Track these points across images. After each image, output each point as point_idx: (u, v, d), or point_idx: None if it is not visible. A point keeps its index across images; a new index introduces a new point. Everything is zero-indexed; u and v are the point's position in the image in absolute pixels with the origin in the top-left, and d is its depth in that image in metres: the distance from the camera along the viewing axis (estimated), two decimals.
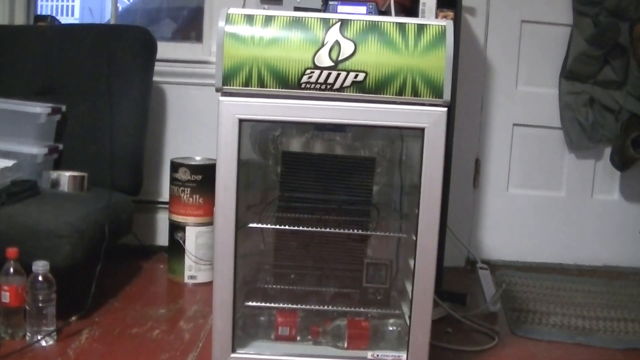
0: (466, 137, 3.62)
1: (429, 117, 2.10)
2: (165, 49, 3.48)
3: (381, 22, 2.10)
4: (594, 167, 3.77)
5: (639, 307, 3.17)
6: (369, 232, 2.50)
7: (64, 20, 7.17)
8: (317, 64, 2.07)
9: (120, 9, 3.87)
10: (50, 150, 3.03)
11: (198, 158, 3.29)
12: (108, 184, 3.06)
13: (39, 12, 3.83)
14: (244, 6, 3.37)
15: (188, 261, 3.20)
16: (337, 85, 2.08)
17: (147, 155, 3.37)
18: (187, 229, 3.21)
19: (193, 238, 3.20)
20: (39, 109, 3.01)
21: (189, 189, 3.17)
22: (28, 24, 3.68)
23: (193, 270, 3.21)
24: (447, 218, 3.06)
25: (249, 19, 2.10)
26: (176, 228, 3.23)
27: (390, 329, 2.38)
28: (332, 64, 2.07)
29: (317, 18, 2.10)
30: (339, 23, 2.08)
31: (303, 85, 2.08)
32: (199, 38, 3.74)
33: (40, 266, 2.41)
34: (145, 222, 3.60)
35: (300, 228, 2.38)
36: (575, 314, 3.03)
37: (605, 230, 3.80)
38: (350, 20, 2.09)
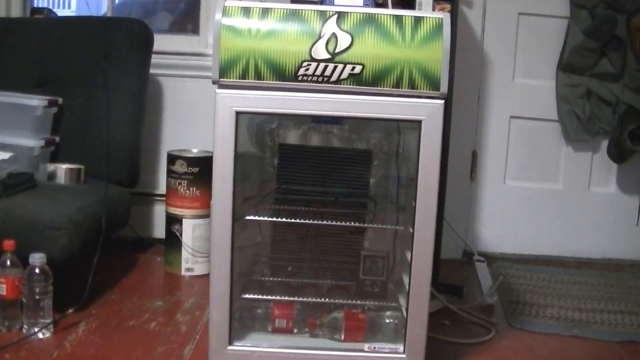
0: (463, 130, 3.62)
1: (426, 109, 2.10)
2: (161, 41, 3.48)
3: (378, 14, 2.10)
4: (590, 160, 3.77)
5: (636, 300, 3.17)
6: (365, 225, 2.50)
7: (61, 12, 7.15)
8: (314, 56, 2.07)
9: (116, 1, 3.87)
10: (46, 142, 3.02)
11: (195, 150, 3.29)
12: (105, 176, 3.05)
13: (35, 5, 3.82)
14: None
15: (185, 253, 3.20)
16: (334, 78, 2.08)
17: (143, 147, 3.37)
18: (184, 221, 3.20)
19: (190, 230, 3.20)
20: (36, 101, 3.00)
21: (185, 182, 3.17)
22: (24, 16, 3.67)
23: (190, 263, 3.21)
24: (444, 210, 3.06)
25: (246, 11, 2.10)
26: (173, 220, 3.23)
27: (387, 321, 2.39)
28: (329, 56, 2.07)
29: (314, 10, 2.10)
30: (335, 15, 2.08)
31: (300, 78, 2.09)
32: (195, 30, 3.73)
33: (37, 258, 2.40)
34: (142, 214, 3.60)
35: (297, 220, 2.38)
36: (572, 307, 3.04)
37: (602, 223, 3.80)
38: (347, 12, 2.09)
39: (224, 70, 2.09)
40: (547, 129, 3.73)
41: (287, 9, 2.10)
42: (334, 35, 2.07)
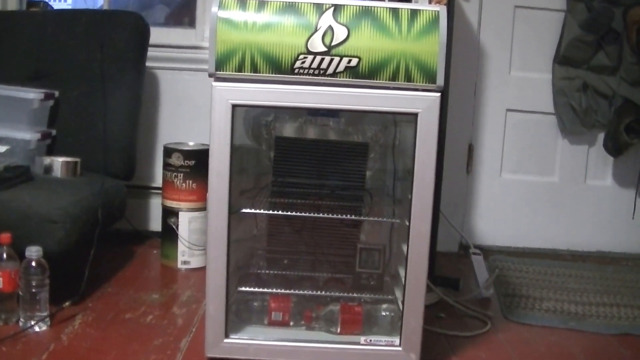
0: (459, 123, 3.62)
1: (422, 102, 2.10)
2: (158, 34, 3.47)
3: (374, 7, 2.10)
4: (587, 153, 3.77)
5: (632, 293, 3.18)
6: (362, 218, 2.50)
7: (57, 5, 7.13)
8: (310, 49, 2.07)
9: None
10: (43, 135, 3.02)
11: (191, 143, 3.29)
12: (101, 169, 3.05)
13: None
14: None
15: (181, 246, 3.20)
16: (330, 71, 2.08)
17: (140, 140, 3.37)
18: (180, 214, 3.20)
19: (186, 223, 3.20)
20: (32, 94, 3.00)
21: (182, 174, 3.17)
22: (21, 9, 3.67)
23: (186, 256, 3.21)
24: (440, 203, 3.06)
25: (242, 4, 2.09)
26: (169, 213, 3.23)
27: (383, 314, 2.39)
28: (326, 49, 2.07)
29: (310, 3, 2.09)
30: (332, 8, 2.08)
31: (296, 71, 2.08)
32: (192, 23, 3.72)
33: (33, 251, 2.41)
34: (138, 207, 3.60)
35: (293, 213, 2.39)
36: (568, 299, 3.04)
37: (598, 216, 3.81)
38: (344, 5, 2.09)
39: (221, 63, 2.09)
40: (543, 122, 3.73)
41: (283, 2, 2.10)
42: (330, 28, 2.07)
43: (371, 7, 2.10)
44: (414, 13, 2.09)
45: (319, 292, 2.40)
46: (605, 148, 3.67)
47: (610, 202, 3.80)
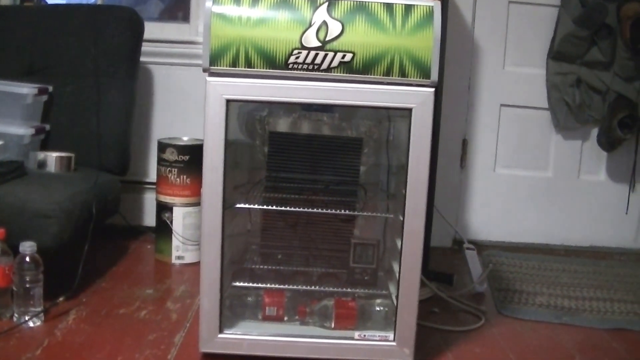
0: (453, 118, 3.62)
1: (416, 97, 2.10)
2: (152, 29, 3.47)
3: (369, 2, 2.10)
4: (580, 148, 3.78)
5: (625, 287, 3.19)
6: (356, 213, 2.51)
7: (51, 0, 7.11)
8: (304, 44, 2.07)
9: None
10: (37, 130, 3.01)
11: (185, 138, 3.29)
12: (95, 164, 3.05)
13: None
14: None
15: (175, 241, 3.20)
16: (324, 66, 2.08)
17: (134, 135, 3.36)
18: (175, 209, 3.20)
19: (180, 218, 3.20)
20: (26, 89, 2.99)
21: (176, 170, 3.17)
22: (15, 4, 3.65)
23: (180, 251, 3.21)
24: (434, 198, 3.06)
25: None
26: (163, 208, 3.23)
27: (377, 309, 2.39)
28: (320, 44, 2.07)
29: None
30: (326, 3, 2.08)
31: (290, 66, 2.08)
32: (186, 18, 3.72)
33: (27, 247, 2.40)
34: (132, 202, 3.59)
35: (288, 208, 2.38)
36: (562, 294, 3.05)
37: (592, 211, 3.82)
38: (338, 0, 2.09)
39: (215, 58, 2.09)
40: (537, 117, 3.73)
41: None
42: (324, 23, 2.07)
43: (365, 2, 2.09)
44: (408, 8, 2.09)
45: (313, 287, 2.41)
46: (599, 143, 3.67)
47: (604, 197, 3.81)
